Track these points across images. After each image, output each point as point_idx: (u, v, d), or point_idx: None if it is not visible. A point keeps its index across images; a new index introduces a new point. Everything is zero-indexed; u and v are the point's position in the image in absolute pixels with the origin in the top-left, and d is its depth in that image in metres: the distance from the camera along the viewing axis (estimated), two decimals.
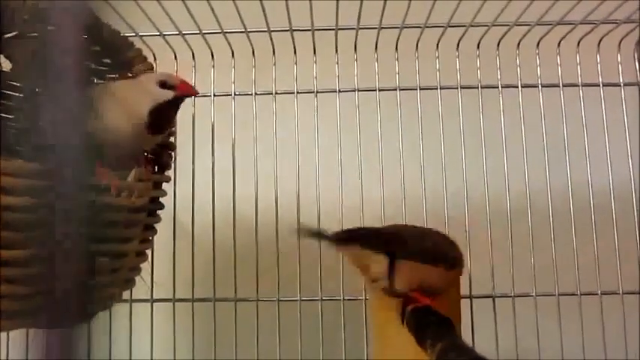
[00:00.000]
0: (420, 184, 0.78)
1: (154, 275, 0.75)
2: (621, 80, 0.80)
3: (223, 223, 0.78)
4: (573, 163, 0.78)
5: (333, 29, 0.75)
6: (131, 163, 0.61)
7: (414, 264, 0.57)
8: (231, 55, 0.80)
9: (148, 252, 0.68)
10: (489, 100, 0.79)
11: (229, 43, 0.78)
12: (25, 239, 0.49)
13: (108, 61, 0.67)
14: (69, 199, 0.29)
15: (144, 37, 0.76)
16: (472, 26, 0.75)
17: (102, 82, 0.69)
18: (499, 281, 0.76)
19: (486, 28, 0.76)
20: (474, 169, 0.78)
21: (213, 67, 0.80)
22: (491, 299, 0.76)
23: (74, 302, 0.28)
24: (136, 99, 0.59)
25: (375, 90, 0.80)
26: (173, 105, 0.61)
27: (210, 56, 0.80)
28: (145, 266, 0.68)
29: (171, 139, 0.68)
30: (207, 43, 0.78)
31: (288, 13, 0.70)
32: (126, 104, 0.58)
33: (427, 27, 0.75)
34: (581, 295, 0.76)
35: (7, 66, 0.69)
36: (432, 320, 0.53)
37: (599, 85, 0.80)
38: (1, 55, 0.67)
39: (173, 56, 0.80)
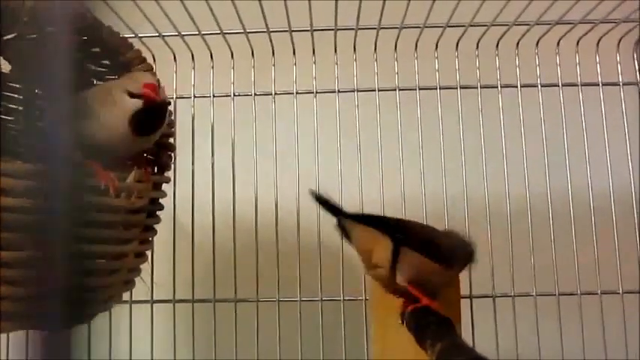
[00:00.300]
0: (420, 183, 0.78)
1: (153, 276, 0.75)
2: (620, 80, 0.80)
3: (223, 224, 0.78)
4: (573, 162, 0.78)
5: (332, 29, 0.75)
6: (130, 165, 0.61)
7: (417, 255, 0.57)
8: (230, 55, 0.80)
9: (148, 253, 0.68)
10: (489, 99, 0.79)
11: (228, 44, 0.78)
12: (24, 240, 0.49)
13: (107, 62, 0.67)
14: (62, 200, 0.29)
15: (143, 38, 0.76)
16: (471, 26, 0.75)
17: (101, 83, 0.69)
18: (499, 281, 0.76)
19: (485, 27, 0.76)
20: (474, 169, 0.78)
21: (213, 67, 0.80)
22: (491, 299, 0.76)
23: (71, 304, 0.28)
24: (111, 109, 0.57)
25: (375, 90, 0.80)
26: (150, 110, 0.58)
27: (210, 57, 0.80)
28: (145, 267, 0.68)
29: (171, 139, 0.68)
30: (206, 43, 0.78)
31: (287, 14, 0.70)
32: (106, 112, 0.58)
33: (426, 27, 0.75)
34: (581, 294, 0.76)
35: (6, 67, 0.69)
36: (432, 320, 0.53)
37: (598, 85, 0.80)
38: (1, 57, 0.67)
39: (172, 57, 0.80)
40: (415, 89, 0.80)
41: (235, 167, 0.79)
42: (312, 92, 0.80)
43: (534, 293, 0.76)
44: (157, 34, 0.76)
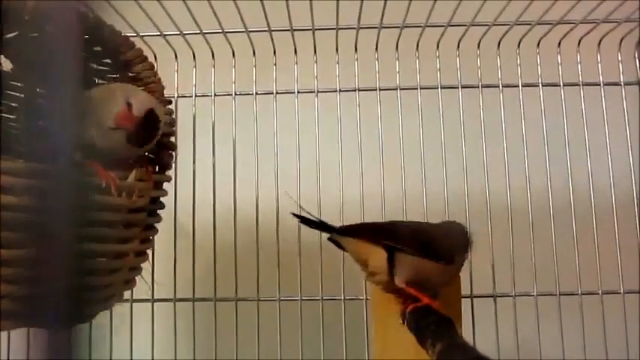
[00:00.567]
0: (421, 182, 0.78)
1: (154, 275, 0.75)
2: (622, 79, 0.80)
3: (224, 223, 0.78)
4: (574, 162, 0.78)
5: (333, 29, 0.76)
6: (131, 164, 0.61)
7: (413, 258, 0.58)
8: (231, 54, 0.80)
9: (149, 252, 0.68)
10: (490, 99, 0.79)
11: (230, 43, 0.78)
12: (24, 239, 0.49)
13: (109, 61, 0.67)
14: (63, 199, 0.29)
15: (145, 37, 0.76)
16: (472, 26, 0.75)
17: (103, 82, 0.69)
18: (500, 281, 0.76)
19: (487, 27, 0.76)
20: (475, 169, 0.78)
21: (214, 66, 0.80)
22: (492, 299, 0.76)
23: (72, 303, 0.29)
24: (109, 119, 0.57)
25: (376, 89, 0.80)
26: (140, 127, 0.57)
27: (211, 56, 0.80)
28: (146, 266, 0.68)
29: (172, 138, 0.68)
30: (207, 42, 0.78)
31: (289, 13, 0.70)
32: (106, 119, 0.57)
33: (427, 26, 0.75)
34: (582, 294, 0.76)
35: (8, 66, 0.69)
36: (433, 320, 0.53)
37: (599, 85, 0.80)
38: (2, 56, 0.67)
39: (174, 56, 0.80)
40: (417, 88, 0.80)
41: (236, 166, 0.79)
42: (314, 91, 0.80)
43: (535, 293, 0.76)
44: (158, 33, 0.76)
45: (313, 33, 0.77)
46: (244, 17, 0.71)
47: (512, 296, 0.76)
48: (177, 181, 0.75)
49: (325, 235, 0.62)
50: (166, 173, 0.68)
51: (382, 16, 0.72)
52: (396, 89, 0.80)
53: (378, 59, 0.80)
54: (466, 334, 0.67)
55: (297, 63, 0.80)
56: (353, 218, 0.73)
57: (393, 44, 0.79)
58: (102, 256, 0.58)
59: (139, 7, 0.68)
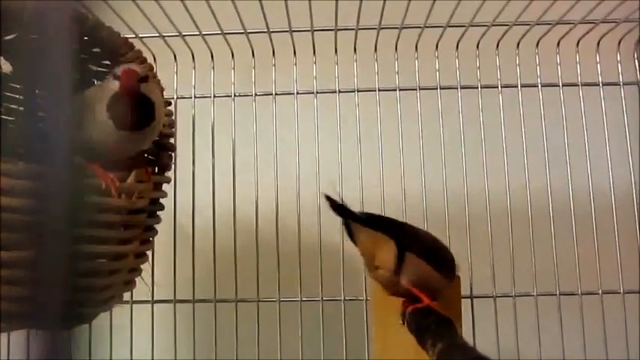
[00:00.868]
0: (421, 183, 0.78)
1: (154, 276, 0.75)
2: (621, 79, 0.80)
3: (224, 224, 0.78)
4: (573, 162, 0.78)
5: (332, 30, 0.75)
6: (130, 165, 0.61)
7: (422, 262, 0.58)
8: (230, 56, 0.80)
9: (149, 253, 0.68)
10: (489, 99, 0.79)
11: (229, 44, 0.78)
12: (24, 241, 0.49)
13: (107, 62, 0.67)
14: (62, 201, 0.29)
15: (143, 39, 0.76)
16: (471, 26, 0.75)
17: (101, 83, 0.69)
18: (500, 281, 0.76)
19: (486, 28, 0.76)
20: (475, 169, 0.78)
21: (213, 68, 0.80)
22: (492, 299, 0.76)
23: (71, 304, 0.29)
24: (100, 102, 0.55)
25: (375, 90, 0.80)
26: (131, 97, 0.54)
27: (210, 57, 0.80)
28: (146, 267, 0.68)
29: (171, 140, 0.68)
30: (206, 44, 0.78)
31: (288, 14, 0.70)
32: (97, 107, 0.56)
33: (426, 27, 0.75)
34: (582, 294, 0.76)
35: (7, 68, 0.69)
36: (433, 320, 0.53)
37: (598, 85, 0.80)
38: (1, 57, 0.67)
39: (173, 57, 0.80)
40: (416, 89, 0.80)
41: (236, 167, 0.79)
42: (313, 92, 0.81)
43: (535, 293, 0.76)
44: (157, 35, 0.76)
45: (312, 34, 0.77)
46: (243, 18, 0.71)
47: (512, 296, 0.76)
48: (176, 182, 0.75)
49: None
50: (166, 174, 0.68)
51: (381, 16, 0.72)
52: (396, 90, 0.80)
53: (377, 60, 0.80)
54: (466, 334, 0.67)
55: (296, 64, 0.80)
56: None
57: (392, 45, 0.79)
58: (102, 258, 0.58)
59: (137, 8, 0.68)
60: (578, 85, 0.80)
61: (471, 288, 0.75)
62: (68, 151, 0.29)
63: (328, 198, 0.59)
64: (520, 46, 0.79)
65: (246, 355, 0.74)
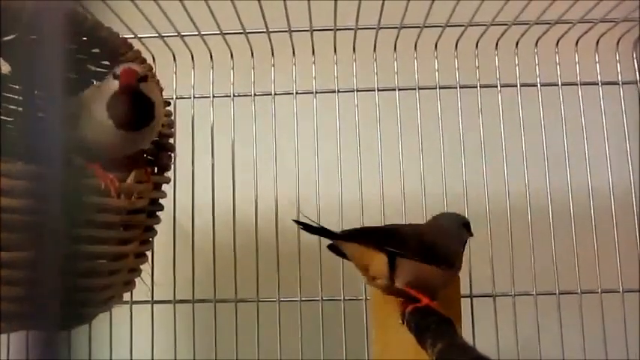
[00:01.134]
0: (420, 182, 0.78)
1: (154, 276, 0.75)
2: (620, 79, 0.80)
3: (223, 224, 0.78)
4: (573, 161, 0.78)
5: (331, 29, 0.76)
6: (129, 165, 0.61)
7: (414, 262, 0.58)
8: (230, 56, 0.80)
9: (148, 253, 0.68)
10: (488, 99, 0.79)
11: (228, 44, 0.78)
12: (23, 241, 0.49)
13: (107, 62, 0.67)
14: (61, 201, 0.29)
15: (143, 39, 0.76)
16: (470, 26, 0.75)
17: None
18: (499, 280, 0.76)
19: (485, 27, 0.76)
20: (474, 168, 0.78)
21: (212, 68, 0.81)
22: (491, 298, 0.76)
23: (70, 305, 0.29)
24: (99, 101, 0.55)
25: (374, 90, 0.80)
26: (131, 96, 0.54)
27: (209, 57, 0.80)
28: (145, 267, 0.68)
29: (171, 140, 0.68)
30: (205, 44, 0.78)
31: (287, 14, 0.70)
32: (95, 106, 0.56)
33: (426, 27, 0.75)
34: (581, 293, 0.76)
35: (7, 69, 0.69)
36: (433, 320, 0.53)
37: (597, 84, 0.80)
38: (1, 58, 0.67)
39: (172, 57, 0.80)
40: (415, 89, 0.80)
41: (235, 167, 0.79)
42: (312, 92, 0.81)
43: (534, 292, 0.76)
44: (156, 35, 0.76)
45: (311, 34, 0.77)
46: (242, 18, 0.71)
47: (511, 296, 0.76)
48: (176, 182, 0.75)
49: (324, 238, 0.62)
50: (165, 175, 0.68)
51: (380, 16, 0.72)
52: (395, 90, 0.80)
53: (376, 60, 0.80)
54: (466, 334, 0.67)
55: (295, 64, 0.80)
56: (352, 218, 0.73)
57: (391, 45, 0.79)
58: (101, 258, 0.58)
59: (137, 8, 0.68)
60: (577, 85, 0.80)
61: (471, 287, 0.75)
62: (63, 151, 0.29)
63: (304, 225, 0.58)
64: (519, 45, 0.79)
65: (246, 355, 0.74)
